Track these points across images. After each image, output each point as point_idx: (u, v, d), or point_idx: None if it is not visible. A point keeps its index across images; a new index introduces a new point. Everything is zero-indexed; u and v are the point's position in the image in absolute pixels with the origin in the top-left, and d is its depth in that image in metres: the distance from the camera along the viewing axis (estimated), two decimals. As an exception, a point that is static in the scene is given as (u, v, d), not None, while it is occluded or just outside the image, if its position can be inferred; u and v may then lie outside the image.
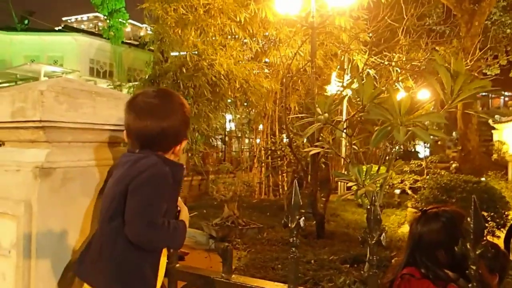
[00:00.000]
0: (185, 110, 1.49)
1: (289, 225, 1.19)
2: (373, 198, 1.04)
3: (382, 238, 1.03)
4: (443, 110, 2.56)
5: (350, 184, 2.88)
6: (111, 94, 1.64)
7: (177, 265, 1.59)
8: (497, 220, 6.49)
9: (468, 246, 0.92)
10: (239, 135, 17.00)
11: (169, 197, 1.41)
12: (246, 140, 17.58)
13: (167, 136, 1.43)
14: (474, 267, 0.91)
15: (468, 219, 0.92)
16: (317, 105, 2.70)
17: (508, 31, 18.75)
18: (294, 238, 1.19)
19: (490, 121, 18.94)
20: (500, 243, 5.17)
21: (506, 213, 6.63)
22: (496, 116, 19.51)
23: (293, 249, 1.19)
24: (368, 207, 1.04)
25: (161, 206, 1.35)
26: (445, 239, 1.74)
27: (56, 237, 1.47)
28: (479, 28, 16.69)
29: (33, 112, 1.40)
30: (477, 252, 0.91)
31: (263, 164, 12.83)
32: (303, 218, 1.17)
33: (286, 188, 12.37)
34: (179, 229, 1.40)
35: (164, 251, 1.49)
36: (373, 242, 1.03)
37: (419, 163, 11.89)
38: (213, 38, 8.54)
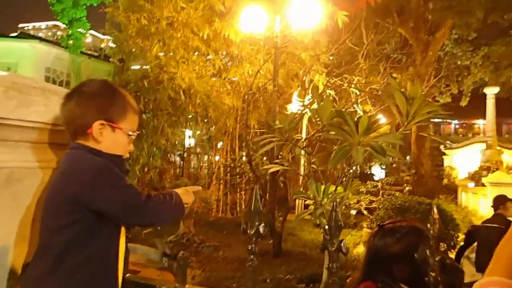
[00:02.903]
0: (102, 90, 1.38)
1: (248, 231, 1.15)
2: (335, 203, 1.02)
3: (342, 245, 1.02)
4: (399, 131, 2.65)
5: (308, 202, 2.90)
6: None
7: (128, 274, 1.51)
8: (447, 242, 6.69)
9: (428, 253, 0.91)
10: (199, 151, 16.83)
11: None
12: (206, 157, 17.41)
13: (74, 114, 1.35)
14: (433, 274, 0.90)
15: (428, 225, 0.92)
16: (277, 121, 2.73)
17: (459, 62, 19.79)
18: (253, 245, 1.15)
19: (442, 147, 19.82)
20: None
21: (456, 234, 6.86)
22: (447, 142, 20.48)
23: (252, 256, 1.15)
24: (329, 216, 1.02)
25: (129, 185, 1.29)
26: (401, 254, 1.74)
27: (-3, 242, 1.36)
28: (433, 58, 17.55)
29: (-22, 106, 1.31)
30: (436, 259, 0.91)
31: (221, 181, 12.71)
32: (263, 224, 1.14)
33: (244, 207, 12.28)
34: (167, 196, 1.33)
35: (123, 231, 1.39)
36: (333, 248, 1.01)
37: (375, 184, 12.16)
38: (176, 51, 8.44)
